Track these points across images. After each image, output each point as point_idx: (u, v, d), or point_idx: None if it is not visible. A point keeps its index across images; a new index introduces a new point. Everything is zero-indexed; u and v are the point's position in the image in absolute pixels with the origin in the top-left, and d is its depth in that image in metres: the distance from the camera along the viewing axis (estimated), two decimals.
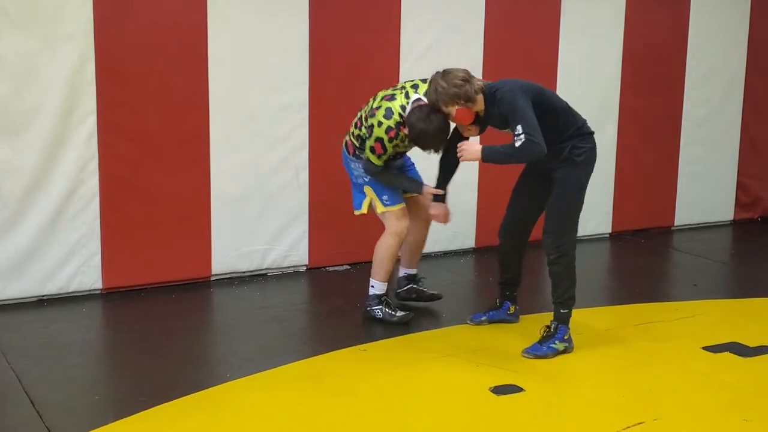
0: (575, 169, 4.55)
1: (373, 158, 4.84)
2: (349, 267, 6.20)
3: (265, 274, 5.97)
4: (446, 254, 6.60)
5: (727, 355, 4.57)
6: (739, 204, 8.01)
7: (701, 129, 7.59)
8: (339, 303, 5.41)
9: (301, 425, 3.71)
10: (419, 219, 5.16)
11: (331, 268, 6.16)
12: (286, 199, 5.96)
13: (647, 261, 6.74)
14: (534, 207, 4.75)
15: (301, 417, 3.79)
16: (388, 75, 6.11)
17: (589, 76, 6.97)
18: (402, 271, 5.40)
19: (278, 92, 5.79)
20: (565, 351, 4.57)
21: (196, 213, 5.66)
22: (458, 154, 4.56)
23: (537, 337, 4.63)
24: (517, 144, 4.26)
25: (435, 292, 5.39)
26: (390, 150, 4.80)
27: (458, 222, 6.34)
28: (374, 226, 6.22)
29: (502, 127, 4.49)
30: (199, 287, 5.67)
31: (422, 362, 4.45)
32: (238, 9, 5.58)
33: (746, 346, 4.68)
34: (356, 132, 4.97)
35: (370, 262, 6.13)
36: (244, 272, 5.90)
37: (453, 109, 4.45)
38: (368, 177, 4.95)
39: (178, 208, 5.59)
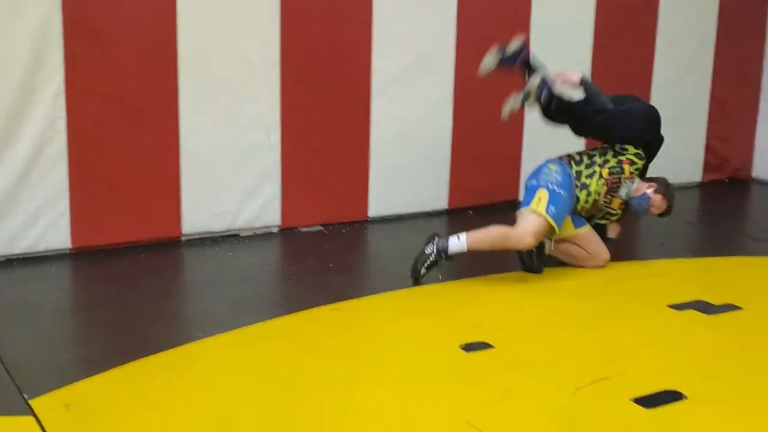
0: None
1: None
2: (321, 228, 6.17)
3: (237, 235, 5.93)
4: (417, 216, 6.55)
5: (692, 313, 4.62)
6: (707, 166, 8.06)
7: (670, 91, 7.58)
8: (312, 263, 5.37)
9: (273, 382, 3.71)
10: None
11: (303, 229, 6.13)
12: (258, 159, 5.90)
13: (621, 222, 6.73)
14: None
15: (273, 374, 3.79)
16: (361, 33, 6.05)
17: (560, 36, 6.96)
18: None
19: (248, 50, 5.71)
20: None
21: (166, 172, 5.59)
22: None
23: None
24: None
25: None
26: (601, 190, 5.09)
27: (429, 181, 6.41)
28: (347, 186, 6.26)
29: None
30: (170, 247, 5.62)
31: (393, 320, 4.45)
32: None
33: (711, 304, 4.73)
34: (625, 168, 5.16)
35: (344, 223, 6.19)
36: (215, 232, 5.86)
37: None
38: (553, 185, 4.98)
39: (147, 167, 5.52)
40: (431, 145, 6.52)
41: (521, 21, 6.72)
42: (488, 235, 4.90)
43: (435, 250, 4.92)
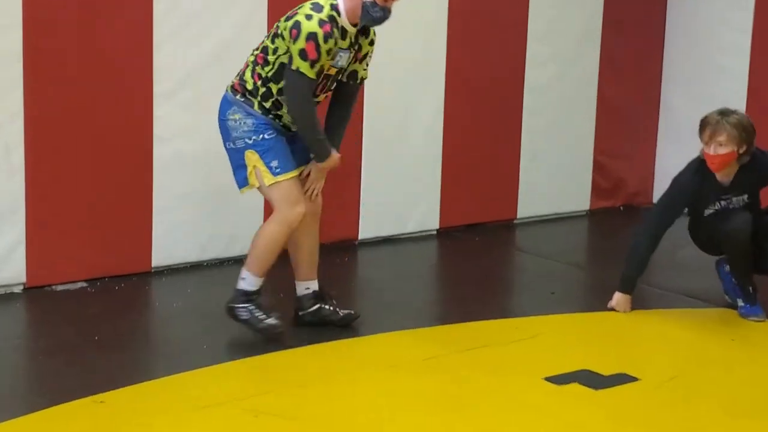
0: None
1: (305, 67, 4.95)
2: (85, 284, 6.07)
3: None
4: (211, 264, 6.55)
5: (575, 387, 4.73)
6: (596, 189, 8.33)
7: (546, 95, 7.84)
8: (70, 335, 5.31)
9: None
10: (309, 212, 5.28)
11: (59, 287, 5.99)
12: None
13: (482, 265, 6.95)
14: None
15: None
16: (138, 9, 6.03)
17: (403, 18, 7.06)
18: (302, 287, 5.46)
19: None
20: None
21: None
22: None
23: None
24: None
25: (350, 311, 5.50)
26: (324, 59, 4.97)
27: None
28: (124, 226, 6.13)
29: (748, 191, 5.75)
30: None
31: (177, 416, 4.36)
32: None
33: (599, 374, 4.87)
34: (258, 70, 5.12)
35: (115, 276, 6.11)
36: None
37: (727, 149, 5.53)
38: (252, 138, 5.09)
39: None
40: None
41: None
42: (258, 250, 5.20)
43: (245, 303, 5.20)
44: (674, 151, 8.34)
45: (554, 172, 8.00)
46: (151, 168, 6.20)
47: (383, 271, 6.79)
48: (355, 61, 5.21)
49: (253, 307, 5.20)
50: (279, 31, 5.06)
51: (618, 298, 5.82)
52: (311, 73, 4.98)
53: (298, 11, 5.03)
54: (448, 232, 7.58)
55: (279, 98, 5.11)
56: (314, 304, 5.44)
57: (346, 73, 5.22)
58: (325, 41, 4.94)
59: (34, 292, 5.91)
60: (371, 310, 5.92)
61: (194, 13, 6.19)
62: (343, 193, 7.01)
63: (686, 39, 8.34)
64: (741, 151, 5.59)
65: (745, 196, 5.77)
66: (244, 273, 5.21)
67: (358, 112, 6.90)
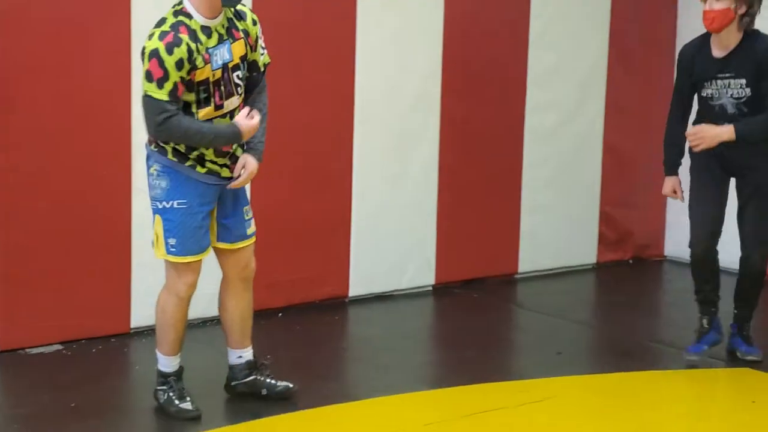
0: None
1: (152, 88, 4.69)
2: (61, 347, 6.07)
3: None
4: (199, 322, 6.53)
5: None
6: (603, 241, 8.37)
7: (549, 143, 7.90)
8: (46, 402, 5.28)
9: None
10: (238, 278, 5.23)
11: (33, 350, 5.99)
12: None
13: (482, 323, 6.95)
14: (722, 208, 5.94)
15: None
16: (118, 61, 6.06)
17: (397, 65, 7.13)
18: (234, 355, 5.38)
19: None
20: None
21: None
22: (692, 142, 5.76)
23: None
24: None
25: (288, 384, 5.37)
26: (174, 72, 4.68)
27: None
28: (100, 284, 6.15)
29: (746, 75, 5.68)
30: None
31: None
32: None
33: None
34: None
35: (93, 338, 6.16)
36: None
37: (722, 5, 5.59)
38: (163, 203, 4.93)
39: None
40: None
41: (344, 47, 6.86)
42: (157, 326, 5.24)
43: (162, 385, 5.22)
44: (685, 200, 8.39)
45: (558, 223, 8.04)
46: (129, 223, 6.22)
47: (376, 330, 6.78)
48: (251, 51, 5.02)
49: (167, 389, 5.15)
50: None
51: (666, 182, 6.17)
52: (160, 94, 4.68)
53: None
54: (444, 288, 7.61)
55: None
56: (248, 375, 5.35)
57: (246, 68, 5.02)
58: (170, 53, 4.66)
59: (6, 355, 5.90)
60: (365, 373, 5.98)
61: None
62: (331, 246, 7.06)
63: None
64: (740, 12, 5.65)
65: (744, 83, 5.75)
66: (156, 353, 5.21)
67: (347, 160, 6.95)
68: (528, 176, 7.86)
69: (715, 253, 5.99)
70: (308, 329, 6.59)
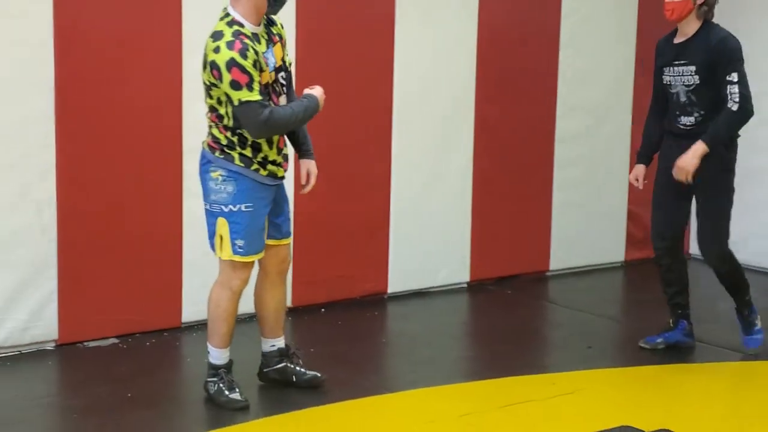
0: (729, 172, 5.83)
1: (245, 94, 4.84)
2: (117, 340, 6.17)
3: None
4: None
5: None
6: (630, 240, 8.43)
7: (579, 146, 7.99)
8: (102, 394, 5.36)
9: None
10: (276, 272, 5.38)
11: (91, 344, 6.09)
12: (24, 247, 5.88)
13: (515, 319, 7.02)
14: (680, 211, 5.99)
15: None
16: (169, 71, 6.19)
17: (433, 74, 7.27)
18: (267, 344, 5.51)
19: (9, 100, 5.73)
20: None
21: None
22: (680, 178, 5.70)
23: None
24: (735, 108, 5.58)
25: (317, 373, 5.52)
26: (255, 73, 4.86)
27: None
28: (153, 281, 6.27)
29: (696, 62, 5.67)
30: None
31: None
32: None
33: (641, 431, 4.90)
34: (221, 126, 5.03)
35: (146, 332, 6.24)
36: None
37: None
38: (229, 206, 5.04)
39: None
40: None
41: (382, 59, 7.01)
42: (209, 319, 5.29)
43: (212, 377, 5.30)
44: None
45: (588, 222, 8.09)
46: (180, 224, 6.34)
47: (413, 325, 6.87)
48: (285, 54, 5.21)
49: (218, 381, 5.25)
50: (207, 85, 4.99)
51: (633, 169, 6.19)
52: (254, 95, 4.85)
53: (204, 54, 4.96)
54: (479, 285, 7.69)
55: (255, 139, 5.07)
56: (279, 362, 5.48)
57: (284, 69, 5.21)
58: (245, 57, 4.83)
59: (65, 348, 6.02)
60: (403, 366, 6.05)
61: None
62: (371, 246, 7.16)
63: None
64: (699, 1, 5.68)
65: (694, 70, 5.73)
66: (207, 345, 5.30)
67: (386, 164, 7.06)
68: (558, 177, 7.94)
69: (676, 256, 6.03)
70: (349, 324, 6.69)
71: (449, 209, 7.50)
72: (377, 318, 6.97)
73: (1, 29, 5.67)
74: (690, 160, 5.66)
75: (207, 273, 6.36)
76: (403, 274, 7.35)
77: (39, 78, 5.80)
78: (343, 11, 6.81)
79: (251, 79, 4.84)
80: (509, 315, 7.12)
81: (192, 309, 6.42)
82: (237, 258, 5.10)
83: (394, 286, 7.34)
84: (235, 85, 4.82)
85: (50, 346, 6.02)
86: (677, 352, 6.10)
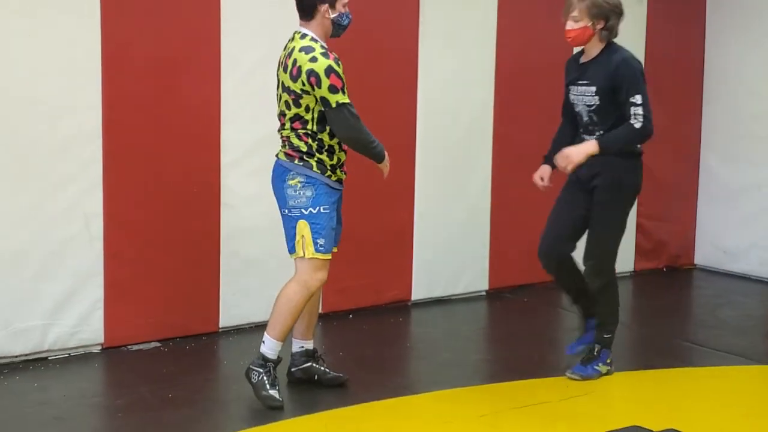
0: (625, 193, 5.68)
1: (341, 97, 5.09)
2: (158, 344, 6.27)
3: (46, 358, 5.94)
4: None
5: None
6: (639, 251, 8.51)
7: None
8: (145, 394, 5.44)
9: None
10: None
11: (134, 347, 6.20)
12: (73, 257, 5.98)
13: (531, 325, 7.10)
14: (572, 214, 5.76)
15: None
16: (208, 91, 6.30)
17: (455, 97, 7.38)
18: (297, 345, 5.62)
19: (61, 119, 5.83)
20: (607, 373, 5.75)
21: None
22: (561, 166, 5.49)
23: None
24: (637, 126, 5.40)
25: (339, 374, 5.61)
26: (345, 82, 5.13)
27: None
28: (193, 288, 6.36)
29: (597, 83, 5.51)
30: None
31: None
32: None
33: (650, 430, 4.97)
34: (302, 134, 5.18)
35: (186, 337, 6.29)
36: (16, 357, 5.86)
37: (580, 24, 5.47)
38: (309, 209, 5.19)
39: None
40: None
41: (406, 80, 7.13)
42: (278, 312, 5.26)
43: (260, 367, 5.29)
44: (714, 214, 8.48)
45: None
46: (218, 235, 6.45)
47: (436, 330, 6.93)
48: None
49: (264, 372, 5.27)
50: (297, 93, 5.12)
51: (539, 169, 5.93)
52: (347, 99, 5.12)
53: (298, 66, 5.08)
54: (497, 293, 7.78)
55: (331, 143, 5.23)
56: (305, 362, 5.58)
57: None
58: (339, 65, 5.11)
59: (111, 352, 6.11)
60: (426, 369, 6.09)
61: (259, 90, 6.35)
62: (396, 256, 7.27)
63: (723, 105, 8.47)
64: (598, 27, 5.54)
65: (594, 90, 5.59)
66: (265, 336, 5.31)
67: (410, 180, 7.14)
68: None
69: (563, 257, 5.77)
70: (375, 329, 6.76)
71: (469, 222, 7.61)
72: (401, 324, 7.04)
73: (54, 55, 5.80)
74: (576, 152, 5.47)
75: (242, 282, 6.52)
76: (426, 283, 7.46)
77: (88, 99, 5.92)
78: (371, 37, 6.90)
79: (344, 85, 5.11)
80: (526, 321, 7.20)
81: (228, 315, 6.55)
82: (319, 256, 5.20)
83: (417, 293, 7.44)
84: (333, 89, 5.07)
85: (96, 350, 6.11)
86: (684, 357, 6.09)
